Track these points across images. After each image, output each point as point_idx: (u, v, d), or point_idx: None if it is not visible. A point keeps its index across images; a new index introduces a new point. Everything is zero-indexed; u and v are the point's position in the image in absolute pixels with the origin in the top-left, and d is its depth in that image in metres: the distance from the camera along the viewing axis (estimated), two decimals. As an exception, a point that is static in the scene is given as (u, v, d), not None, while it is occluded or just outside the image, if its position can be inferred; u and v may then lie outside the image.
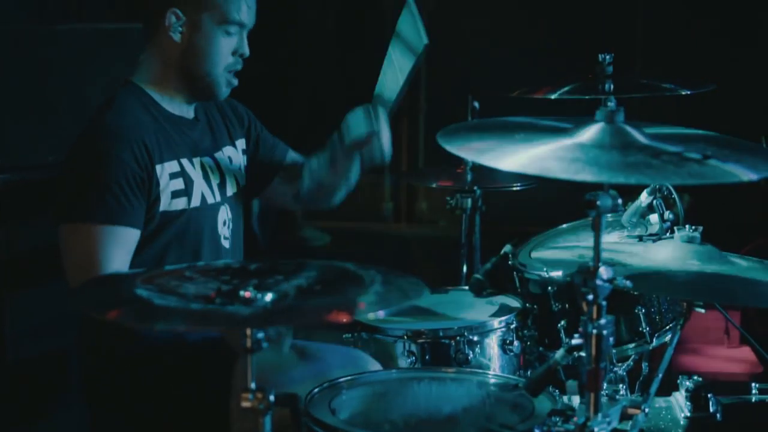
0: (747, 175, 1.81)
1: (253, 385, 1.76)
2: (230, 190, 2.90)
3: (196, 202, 2.76)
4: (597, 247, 1.96)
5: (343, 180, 2.98)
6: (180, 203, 2.72)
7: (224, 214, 2.86)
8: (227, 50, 2.76)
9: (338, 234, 6.01)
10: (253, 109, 3.09)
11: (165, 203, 2.69)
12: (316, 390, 2.34)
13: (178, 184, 2.72)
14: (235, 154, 2.96)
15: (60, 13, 4.08)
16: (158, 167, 2.67)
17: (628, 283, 1.99)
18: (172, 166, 2.71)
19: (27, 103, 3.54)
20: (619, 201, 1.94)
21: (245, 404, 1.75)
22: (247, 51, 2.80)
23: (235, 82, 2.82)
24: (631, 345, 2.88)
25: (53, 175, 2.74)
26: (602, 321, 1.97)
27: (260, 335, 1.73)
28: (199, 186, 2.77)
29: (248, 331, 1.73)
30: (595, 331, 1.97)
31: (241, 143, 3.00)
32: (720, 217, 3.76)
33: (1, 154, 3.47)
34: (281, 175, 3.07)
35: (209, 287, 1.78)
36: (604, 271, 1.96)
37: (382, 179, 6.49)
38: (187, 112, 2.86)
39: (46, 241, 2.67)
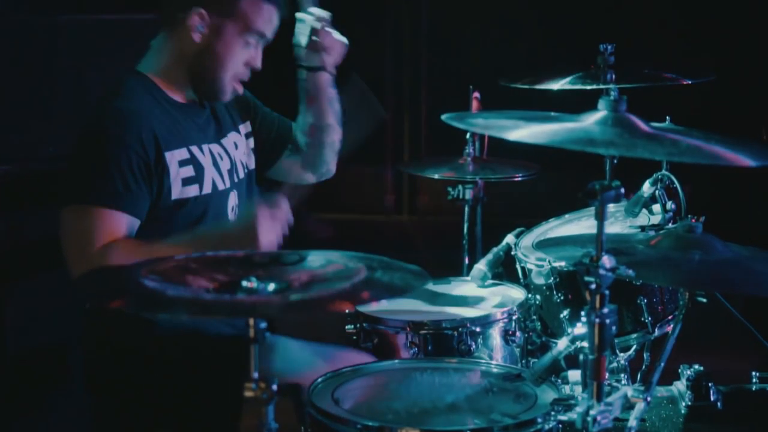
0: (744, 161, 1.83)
1: (256, 375, 1.76)
2: (238, 176, 2.90)
3: (207, 188, 2.75)
4: (600, 237, 1.96)
5: (328, 111, 3.01)
6: (192, 191, 2.71)
7: (233, 199, 2.86)
8: (241, 60, 2.76)
9: (340, 226, 6.01)
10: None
11: (176, 191, 2.68)
12: (319, 380, 2.35)
13: (189, 171, 2.71)
14: (240, 139, 2.96)
15: (62, 4, 4.08)
16: (167, 155, 2.66)
17: (630, 272, 1.99)
18: (181, 153, 2.71)
19: (28, 94, 3.54)
20: (622, 191, 1.94)
21: (248, 394, 1.75)
22: (259, 65, 2.80)
23: (240, 89, 2.82)
24: (633, 335, 2.88)
25: (54, 167, 2.73)
26: (605, 310, 1.98)
27: (263, 325, 1.74)
28: (210, 173, 2.77)
29: (251, 321, 1.73)
30: (597, 321, 1.98)
31: (245, 127, 3.01)
32: (724, 207, 3.77)
33: (1, 146, 3.47)
34: (289, 148, 3.09)
35: (212, 277, 1.78)
36: (606, 260, 1.97)
37: (384, 171, 6.50)
38: (193, 100, 2.86)
39: (47, 232, 2.67)
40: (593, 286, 1.96)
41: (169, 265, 1.84)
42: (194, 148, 2.75)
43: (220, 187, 2.80)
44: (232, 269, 1.82)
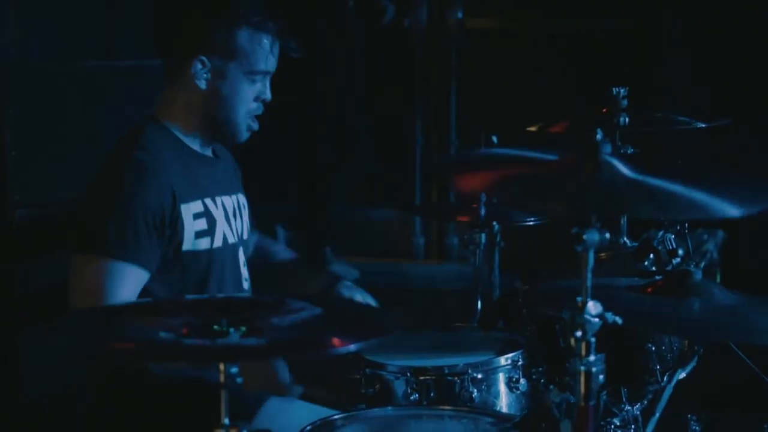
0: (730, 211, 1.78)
1: (227, 421, 1.74)
2: (245, 234, 2.91)
3: (218, 242, 2.75)
4: (585, 282, 1.92)
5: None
6: (203, 243, 2.71)
7: (243, 255, 2.85)
8: (251, 97, 2.76)
9: (368, 270, 5.98)
10: (278, 146, 3.10)
11: (188, 243, 2.68)
12: (308, 427, 2.31)
13: (202, 224, 2.71)
14: (244, 201, 2.97)
15: (89, 50, 4.12)
16: (183, 207, 2.67)
17: (617, 318, 1.95)
18: (196, 206, 2.71)
19: (46, 139, 3.57)
20: (606, 235, 1.91)
21: (218, 440, 1.73)
22: (269, 96, 2.80)
23: (256, 126, 2.82)
24: (644, 383, 2.80)
25: (71, 212, 2.74)
26: (591, 358, 1.93)
27: (233, 370, 1.71)
28: (221, 226, 2.77)
29: (221, 366, 1.71)
30: (583, 369, 1.93)
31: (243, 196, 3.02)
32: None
33: (19, 190, 3.49)
34: None
35: (183, 321, 1.76)
36: (592, 307, 1.92)
37: (413, 214, 6.48)
38: (208, 150, 2.87)
39: (62, 278, 2.68)
40: (578, 333, 1.92)
41: (141, 308, 1.82)
42: (208, 201, 2.76)
43: (230, 240, 2.80)
44: (205, 313, 1.80)
